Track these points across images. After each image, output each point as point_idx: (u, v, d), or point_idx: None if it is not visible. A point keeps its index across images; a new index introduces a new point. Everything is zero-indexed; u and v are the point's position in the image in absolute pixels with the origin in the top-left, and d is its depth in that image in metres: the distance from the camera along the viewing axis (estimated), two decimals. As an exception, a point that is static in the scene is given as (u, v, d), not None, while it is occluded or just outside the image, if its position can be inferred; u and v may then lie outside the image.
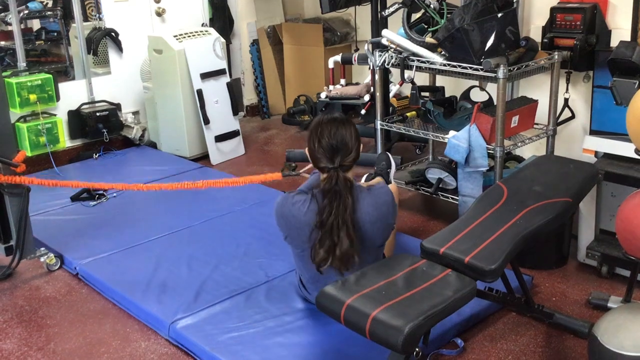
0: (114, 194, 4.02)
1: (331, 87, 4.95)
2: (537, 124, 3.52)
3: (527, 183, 2.64)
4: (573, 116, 3.74)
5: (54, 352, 2.59)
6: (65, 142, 4.57)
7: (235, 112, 4.84)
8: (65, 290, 3.05)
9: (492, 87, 3.39)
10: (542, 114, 3.50)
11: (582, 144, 3.17)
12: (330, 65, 4.94)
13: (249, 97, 5.74)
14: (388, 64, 3.57)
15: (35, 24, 5.38)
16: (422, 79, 3.97)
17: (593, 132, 3.45)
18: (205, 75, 4.62)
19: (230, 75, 4.97)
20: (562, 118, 3.70)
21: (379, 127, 3.73)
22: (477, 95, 3.62)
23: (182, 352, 2.54)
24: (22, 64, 4.39)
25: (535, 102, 3.46)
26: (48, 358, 2.55)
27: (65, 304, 2.93)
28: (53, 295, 3.01)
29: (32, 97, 4.24)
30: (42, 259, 3.20)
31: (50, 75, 4.36)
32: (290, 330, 2.54)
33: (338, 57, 4.87)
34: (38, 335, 2.71)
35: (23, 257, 3.13)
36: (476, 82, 3.67)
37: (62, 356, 2.56)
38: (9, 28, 4.66)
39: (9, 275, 3.15)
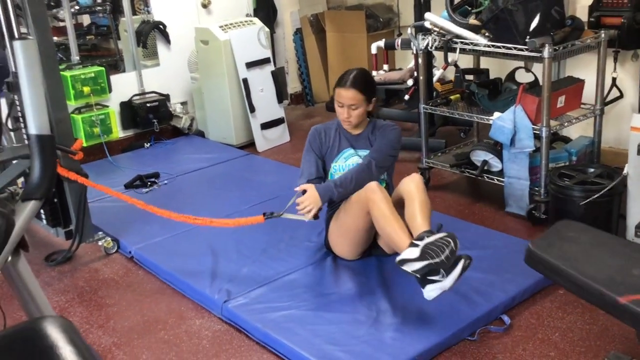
0: (165, 182, 4.15)
1: (374, 72, 4.95)
2: (584, 104, 3.49)
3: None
4: (621, 95, 3.68)
5: (114, 329, 2.72)
6: (118, 132, 4.72)
7: (280, 100, 4.91)
8: (122, 272, 3.18)
9: (537, 69, 3.37)
10: (589, 93, 3.46)
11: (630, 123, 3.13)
12: (373, 50, 4.95)
13: (293, 85, 5.81)
14: (431, 48, 3.58)
15: (85, 19, 5.54)
16: (466, 62, 3.97)
17: (642, 111, 3.40)
18: (250, 65, 4.70)
19: (275, 64, 5.04)
20: (610, 97, 3.65)
21: (422, 111, 3.75)
22: (523, 77, 3.60)
23: (234, 329, 2.63)
24: (75, 57, 4.53)
25: (582, 81, 3.43)
26: (108, 335, 2.68)
27: (123, 285, 3.06)
28: (111, 276, 3.15)
29: (86, 89, 4.38)
30: (100, 243, 3.34)
31: (103, 68, 4.49)
32: (339, 309, 2.61)
33: (381, 43, 4.87)
34: (98, 314, 2.85)
35: (82, 241, 3.28)
36: (521, 64, 3.65)
37: (122, 333, 2.69)
38: (61, 24, 4.82)
39: (70, 258, 3.29)
